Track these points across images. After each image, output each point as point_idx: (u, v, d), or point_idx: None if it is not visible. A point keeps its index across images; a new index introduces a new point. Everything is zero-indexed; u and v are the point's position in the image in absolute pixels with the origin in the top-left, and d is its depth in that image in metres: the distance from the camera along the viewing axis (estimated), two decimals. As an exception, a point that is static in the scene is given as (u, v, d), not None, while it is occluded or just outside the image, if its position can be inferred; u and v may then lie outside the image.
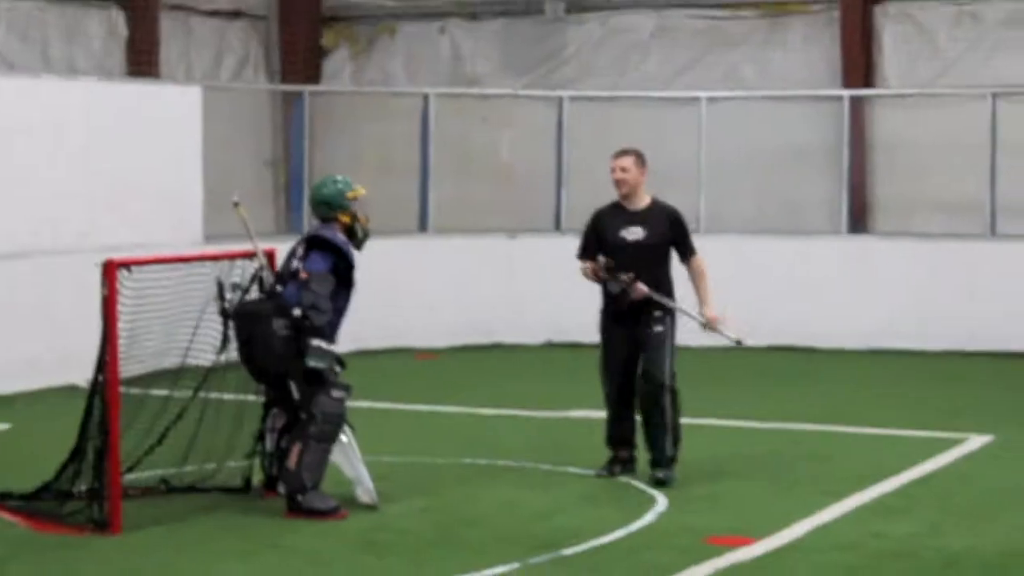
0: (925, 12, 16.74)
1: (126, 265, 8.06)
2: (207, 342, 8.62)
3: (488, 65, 18.29)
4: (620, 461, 9.27)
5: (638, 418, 9.15)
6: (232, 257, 8.61)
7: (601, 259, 8.97)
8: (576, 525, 8.05)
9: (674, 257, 9.23)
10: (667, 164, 10.79)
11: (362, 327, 12.19)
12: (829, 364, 14.64)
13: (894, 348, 15.13)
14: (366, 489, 8.43)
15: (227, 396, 8.78)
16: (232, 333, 8.42)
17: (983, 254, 15.30)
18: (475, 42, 18.34)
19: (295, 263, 8.48)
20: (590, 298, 9.35)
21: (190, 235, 13.79)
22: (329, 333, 8.33)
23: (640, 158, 9.18)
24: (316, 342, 8.23)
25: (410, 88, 17.41)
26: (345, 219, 8.58)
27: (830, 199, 16.11)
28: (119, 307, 7.95)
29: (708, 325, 9.16)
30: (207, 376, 8.66)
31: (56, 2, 15.87)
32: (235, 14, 18.00)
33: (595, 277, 9.08)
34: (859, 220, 16.37)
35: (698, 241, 9.34)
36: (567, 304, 13.21)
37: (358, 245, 8.62)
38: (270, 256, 8.72)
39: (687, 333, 9.38)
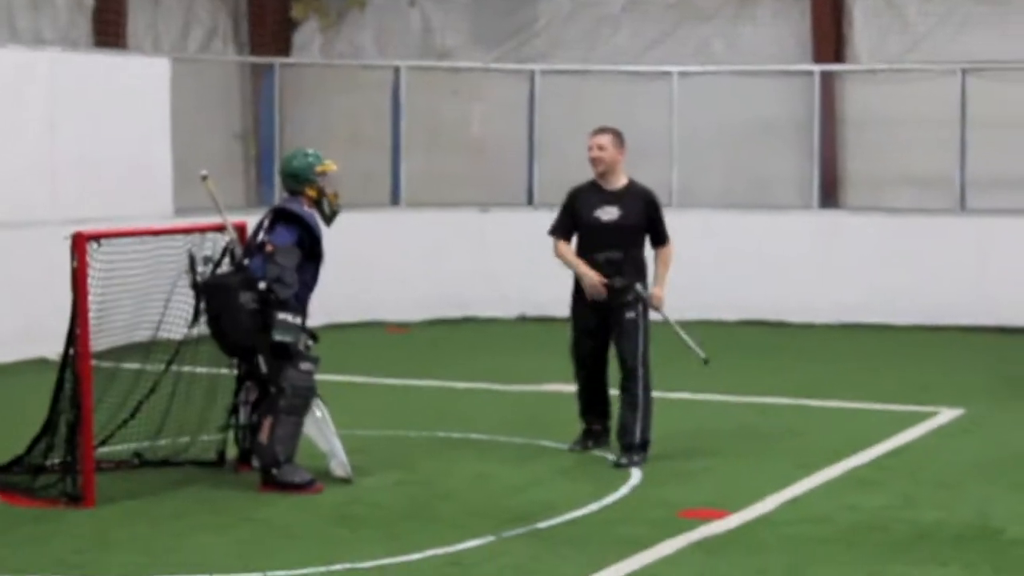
0: (895, -13, 16.78)
1: (95, 238, 8.00)
2: (179, 315, 8.58)
3: (458, 38, 18.22)
4: (593, 434, 9.28)
5: (613, 392, 9.13)
6: (203, 230, 8.56)
7: (618, 281, 8.88)
8: (550, 498, 8.06)
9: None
10: (638, 138, 10.75)
11: (333, 300, 12.20)
12: (800, 338, 14.68)
13: (865, 322, 15.19)
14: (340, 462, 8.42)
15: (200, 369, 8.76)
16: (203, 306, 8.38)
17: (953, 229, 15.36)
18: (445, 15, 18.26)
19: (261, 235, 8.44)
20: (563, 272, 9.31)
21: (159, 208, 13.69)
22: (297, 307, 8.29)
23: (619, 137, 9.09)
24: (282, 315, 8.18)
25: (380, 61, 17.32)
26: (312, 193, 8.52)
27: (801, 174, 16.13)
28: (89, 280, 7.90)
29: (652, 302, 9.08)
30: (179, 349, 8.64)
31: (22, -29, 15.70)
32: (203, -16, 17.84)
33: (602, 289, 8.98)
34: (829, 195, 16.41)
35: (669, 216, 9.27)
36: (540, 278, 13.19)
37: (326, 221, 8.57)
38: (240, 229, 8.67)
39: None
